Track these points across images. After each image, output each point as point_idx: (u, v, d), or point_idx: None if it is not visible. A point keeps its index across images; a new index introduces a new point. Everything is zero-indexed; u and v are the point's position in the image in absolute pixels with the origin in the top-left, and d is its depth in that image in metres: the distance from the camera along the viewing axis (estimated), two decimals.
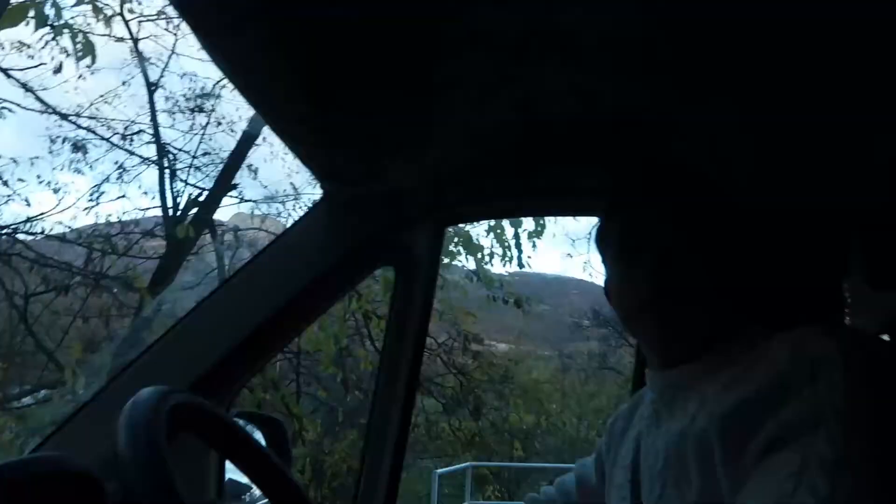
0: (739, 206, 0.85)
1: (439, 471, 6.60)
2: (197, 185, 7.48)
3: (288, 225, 1.36)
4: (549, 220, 6.28)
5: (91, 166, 7.42)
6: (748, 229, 0.84)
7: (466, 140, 1.09)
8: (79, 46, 3.70)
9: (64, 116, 6.74)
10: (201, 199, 7.19)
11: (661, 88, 0.91)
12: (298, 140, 1.05)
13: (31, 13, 3.14)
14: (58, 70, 6.33)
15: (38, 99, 6.31)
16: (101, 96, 7.19)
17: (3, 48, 5.92)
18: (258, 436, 1.41)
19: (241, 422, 1.41)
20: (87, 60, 3.71)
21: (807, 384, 0.61)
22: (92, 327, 7.22)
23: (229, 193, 7.35)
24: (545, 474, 9.73)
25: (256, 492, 1.38)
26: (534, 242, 5.77)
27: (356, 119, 0.99)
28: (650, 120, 1.02)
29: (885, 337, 1.08)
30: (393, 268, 1.31)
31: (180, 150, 7.56)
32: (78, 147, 7.27)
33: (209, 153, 7.69)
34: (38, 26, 3.34)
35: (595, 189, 1.26)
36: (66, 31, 3.52)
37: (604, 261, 0.90)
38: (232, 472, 1.44)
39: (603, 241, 0.88)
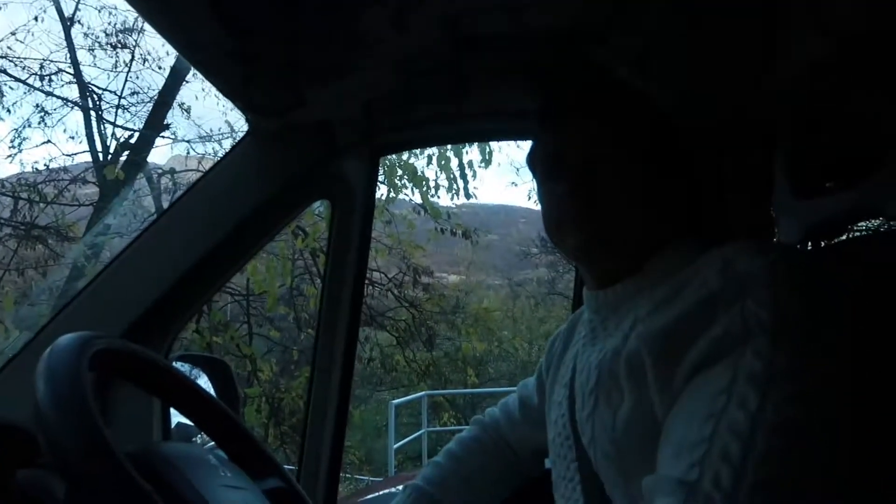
0: (668, 118, 0.84)
1: (396, 401, 6.74)
2: (125, 126, 7.13)
3: None
4: (495, 150, 6.26)
5: (9, 110, 6.97)
6: (676, 142, 0.84)
7: (393, 63, 1.05)
8: None
9: None
10: (132, 140, 6.87)
11: None
12: (217, 71, 0.99)
13: None
14: None
15: None
16: (13, 33, 6.69)
17: None
18: (203, 378, 1.40)
19: (183, 365, 1.40)
20: None
21: (736, 300, 0.62)
22: (28, 280, 6.97)
23: (162, 134, 7.04)
24: (498, 398, 10.08)
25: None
26: (475, 172, 5.74)
27: (276, 45, 0.94)
28: (581, 32, 1.00)
29: (810, 245, 1.12)
30: (328, 201, 1.28)
31: (105, 89, 7.17)
32: None
33: (137, 92, 7.31)
34: None
35: (530, 111, 1.25)
36: None
37: (536, 183, 0.89)
38: (181, 417, 1.43)
39: (532, 162, 0.87)
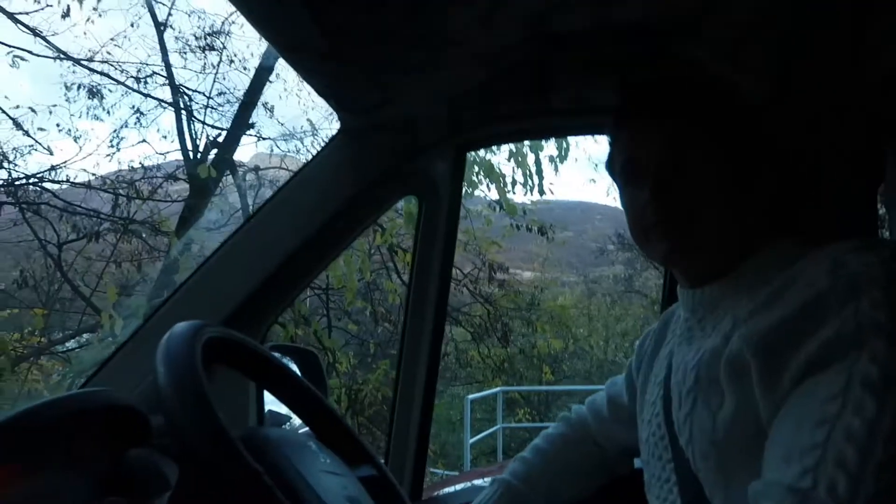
0: (758, 113, 0.81)
1: (471, 396, 6.77)
2: (214, 125, 7.45)
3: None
4: (572, 145, 6.17)
5: (109, 112, 7.41)
6: (768, 138, 0.81)
7: (478, 60, 1.06)
8: None
9: (77, 61, 6.68)
10: (220, 139, 7.18)
11: None
12: (312, 70, 1.03)
13: None
14: (66, 14, 6.26)
15: (50, 45, 6.25)
16: (112, 39, 7.09)
17: None
18: (293, 367, 1.46)
19: (276, 354, 1.46)
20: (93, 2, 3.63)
21: (848, 302, 0.59)
22: (125, 271, 7.41)
23: (247, 132, 7.32)
24: (573, 396, 9.94)
25: (296, 421, 1.44)
26: (556, 166, 5.66)
27: (366, 45, 0.97)
28: (671, 26, 0.98)
29: None
30: (415, 197, 1.30)
31: (195, 90, 7.50)
32: (94, 93, 7.23)
33: (224, 93, 7.61)
34: None
35: (615, 106, 1.23)
36: None
37: (617, 187, 0.88)
38: (272, 404, 1.49)
39: (610, 165, 0.86)
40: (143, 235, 6.87)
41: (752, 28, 0.98)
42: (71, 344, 7.43)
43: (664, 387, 0.84)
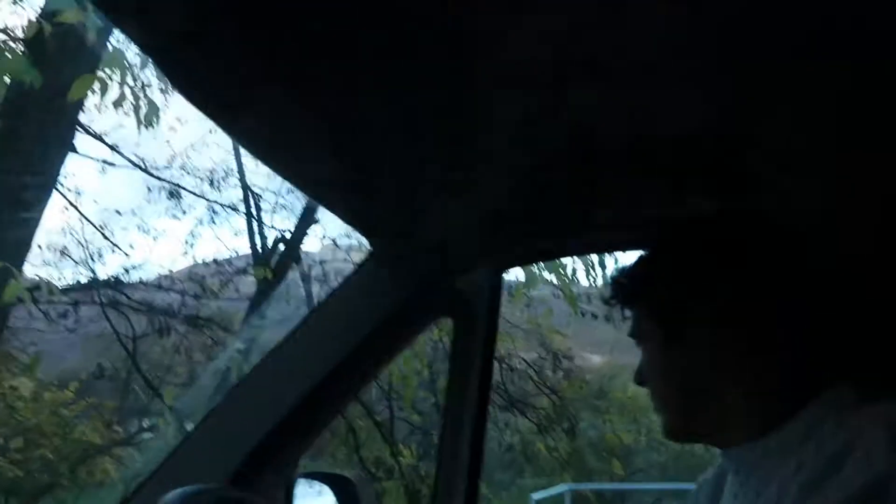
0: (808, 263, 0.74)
1: (536, 496, 6.41)
2: (279, 228, 7.73)
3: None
4: None
5: (185, 211, 7.82)
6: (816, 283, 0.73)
7: (513, 177, 1.01)
8: (142, 111, 3.86)
9: (152, 174, 7.13)
10: (287, 235, 7.41)
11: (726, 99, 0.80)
12: (336, 203, 1.00)
13: (96, 84, 3.31)
14: (149, 124, 6.73)
15: (126, 158, 6.67)
16: (191, 145, 7.57)
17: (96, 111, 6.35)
18: (329, 497, 1.37)
19: (311, 482, 1.38)
20: (153, 122, 3.87)
21: None
22: (194, 362, 7.59)
23: (313, 227, 7.53)
24: (647, 494, 9.32)
25: None
26: (616, 258, 5.51)
27: (393, 170, 0.93)
28: (720, 136, 0.90)
29: None
30: (451, 319, 1.23)
31: (265, 189, 7.84)
32: (173, 195, 7.68)
33: (293, 191, 7.94)
34: (102, 95, 3.52)
35: (663, 219, 1.14)
36: (125, 101, 3.65)
37: None
38: None
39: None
40: (213, 328, 7.06)
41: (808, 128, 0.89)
42: (148, 435, 7.57)
43: None
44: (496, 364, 7.81)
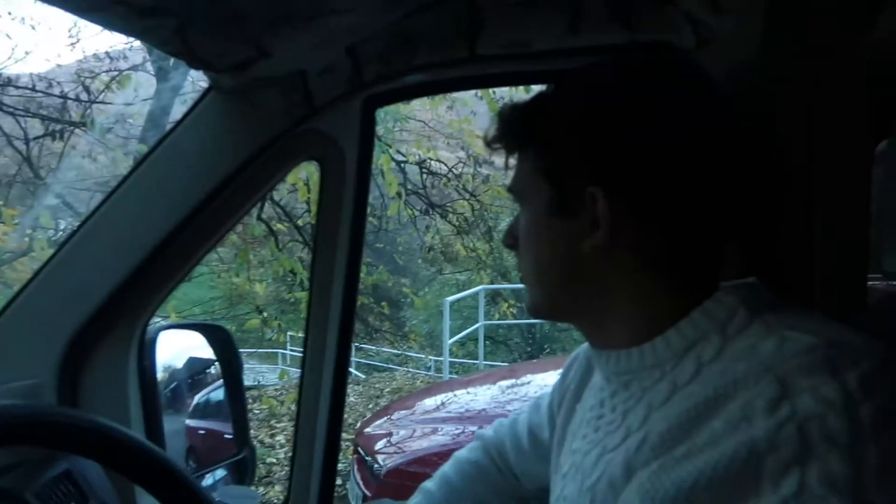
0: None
1: (450, 299, 6.73)
2: None
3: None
4: None
5: None
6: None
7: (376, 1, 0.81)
8: None
9: None
10: None
11: None
12: (162, 28, 0.77)
13: None
14: None
15: None
16: None
17: None
18: (206, 346, 1.30)
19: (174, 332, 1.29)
20: None
21: (791, 468, 0.41)
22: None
23: None
24: None
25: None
26: None
27: None
28: None
29: None
30: (316, 163, 1.07)
31: None
32: None
33: None
34: None
35: (561, 50, 0.98)
36: None
37: None
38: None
39: None
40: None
41: None
42: None
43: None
44: (416, 168, 7.75)
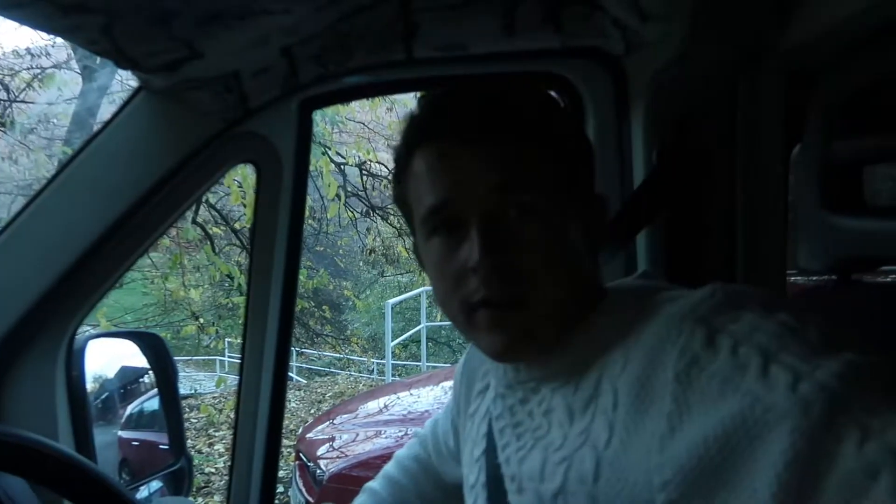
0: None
1: (392, 301, 6.72)
2: None
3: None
4: None
5: None
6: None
7: (309, 5, 0.81)
8: None
9: None
10: None
11: None
12: (87, 27, 0.75)
13: None
14: None
15: None
16: None
17: None
18: (139, 354, 1.26)
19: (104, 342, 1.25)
20: None
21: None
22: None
23: None
24: None
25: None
26: None
27: None
28: None
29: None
30: (252, 165, 1.06)
31: None
32: None
33: None
34: None
35: (496, 53, 1.00)
36: None
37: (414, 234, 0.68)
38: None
39: (403, 202, 0.67)
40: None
41: None
42: None
43: (487, 466, 0.68)
44: (356, 171, 7.70)
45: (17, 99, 5.88)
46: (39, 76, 6.11)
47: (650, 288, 0.61)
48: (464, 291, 0.57)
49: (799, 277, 1.20)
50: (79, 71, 6.88)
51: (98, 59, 5.85)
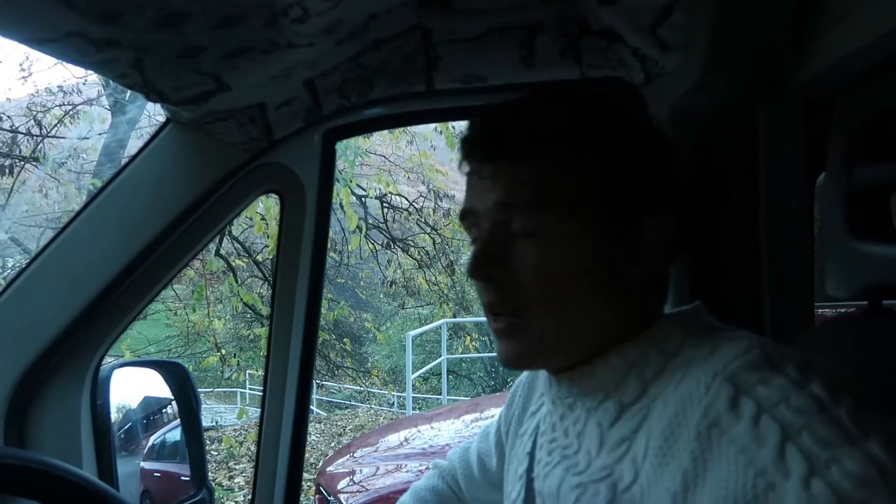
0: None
1: (412, 333, 6.70)
2: None
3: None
4: None
5: None
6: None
7: (335, 34, 0.83)
8: None
9: None
10: None
11: None
12: (118, 61, 0.77)
13: None
14: None
15: None
16: None
17: None
18: (162, 384, 1.26)
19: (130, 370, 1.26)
20: None
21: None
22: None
23: None
24: None
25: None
26: None
27: (154, 30, 0.72)
28: None
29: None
30: (277, 196, 1.07)
31: None
32: None
33: None
34: None
35: (517, 84, 1.01)
36: None
37: None
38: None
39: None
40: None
41: None
42: None
43: (526, 481, 0.67)
44: (377, 203, 7.76)
45: (49, 134, 6.05)
46: (70, 112, 6.28)
47: (700, 324, 0.60)
48: (482, 296, 0.61)
49: (827, 309, 1.18)
50: (108, 107, 7.07)
51: (127, 94, 6.02)
